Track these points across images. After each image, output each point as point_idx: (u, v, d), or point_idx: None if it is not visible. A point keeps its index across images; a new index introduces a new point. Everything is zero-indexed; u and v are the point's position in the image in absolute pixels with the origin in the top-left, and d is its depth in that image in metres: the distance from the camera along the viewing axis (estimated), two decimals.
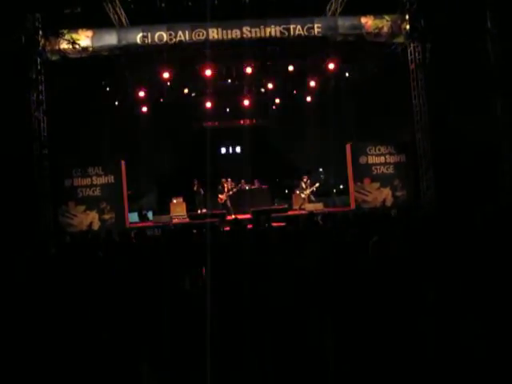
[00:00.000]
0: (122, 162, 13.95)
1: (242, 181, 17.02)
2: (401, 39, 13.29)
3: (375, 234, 3.46)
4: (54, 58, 12.55)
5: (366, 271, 3.18)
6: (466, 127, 12.48)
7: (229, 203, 15.27)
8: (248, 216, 13.54)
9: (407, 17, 12.93)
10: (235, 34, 12.51)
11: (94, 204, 13.39)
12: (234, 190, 15.65)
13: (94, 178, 13.50)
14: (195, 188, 15.77)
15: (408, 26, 12.97)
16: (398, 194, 13.97)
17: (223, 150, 20.54)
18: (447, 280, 3.47)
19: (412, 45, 13.37)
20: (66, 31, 12.09)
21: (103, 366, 2.32)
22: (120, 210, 13.58)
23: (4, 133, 11.49)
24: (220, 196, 15.38)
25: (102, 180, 13.52)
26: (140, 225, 14.83)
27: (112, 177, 13.56)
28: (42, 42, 12.10)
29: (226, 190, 15.43)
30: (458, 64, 12.79)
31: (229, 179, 16.16)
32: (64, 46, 12.18)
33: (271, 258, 4.23)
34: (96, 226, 13.27)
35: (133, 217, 15.96)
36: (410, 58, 13.54)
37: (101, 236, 7.17)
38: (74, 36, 12.14)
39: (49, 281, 3.07)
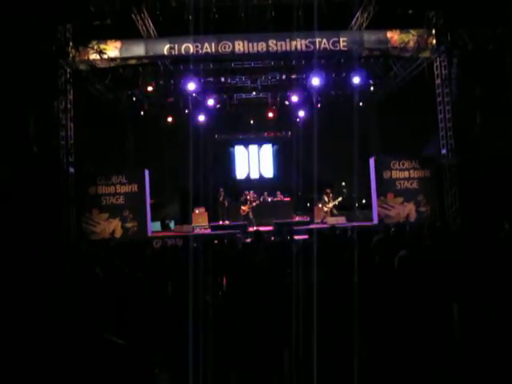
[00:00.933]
0: (146, 171, 14.07)
1: (265, 193, 17.05)
2: (427, 54, 13.20)
3: (402, 248, 3.41)
4: (83, 67, 12.83)
5: (392, 286, 3.13)
6: (492, 142, 12.29)
7: (251, 215, 15.27)
8: (270, 228, 13.50)
9: (433, 31, 12.86)
10: (261, 46, 12.59)
11: (117, 212, 13.50)
12: (257, 201, 15.67)
13: (117, 186, 13.61)
14: (221, 198, 15.82)
15: (434, 41, 12.89)
16: (422, 209, 13.78)
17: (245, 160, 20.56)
18: (474, 297, 3.40)
19: (438, 59, 13.28)
20: (95, 42, 12.37)
21: (121, 373, 2.31)
22: (142, 218, 13.66)
23: (32, 139, 11.76)
24: (243, 207, 15.40)
25: (126, 188, 13.64)
26: (161, 234, 14.90)
27: (135, 185, 13.67)
28: (72, 52, 12.39)
29: (248, 201, 15.45)
30: (485, 79, 12.64)
31: (251, 191, 16.20)
32: (93, 56, 12.44)
33: (292, 270, 4.19)
34: (118, 234, 13.39)
35: (155, 226, 16.04)
36: (435, 73, 13.44)
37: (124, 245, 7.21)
38: (103, 47, 12.39)
39: (70, 288, 3.07)
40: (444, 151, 13.53)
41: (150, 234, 13.83)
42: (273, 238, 7.54)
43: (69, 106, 12.81)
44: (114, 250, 6.41)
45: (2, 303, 2.81)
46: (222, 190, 16.21)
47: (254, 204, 15.47)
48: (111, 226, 13.47)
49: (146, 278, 4.03)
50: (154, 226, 15.48)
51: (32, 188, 12.17)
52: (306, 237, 8.75)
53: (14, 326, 2.70)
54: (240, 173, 20.43)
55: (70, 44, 12.38)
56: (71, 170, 12.91)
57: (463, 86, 12.97)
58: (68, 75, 12.73)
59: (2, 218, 12.69)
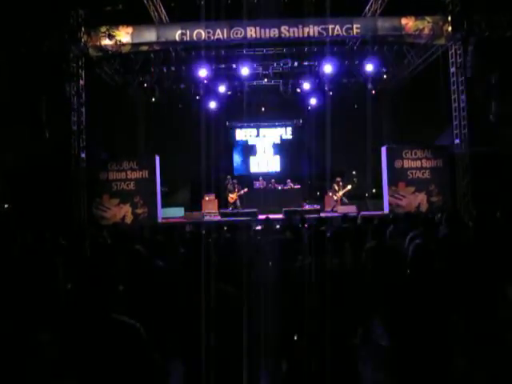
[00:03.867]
0: (157, 158, 14.08)
1: (273, 180, 17.04)
2: (442, 41, 12.98)
3: (416, 236, 3.37)
4: (95, 53, 12.81)
5: (405, 274, 3.11)
6: (506, 133, 12.14)
7: (238, 203, 15.54)
8: (280, 216, 13.46)
9: (449, 18, 12.64)
10: (273, 33, 12.45)
11: (127, 198, 13.53)
12: (244, 190, 15.79)
13: (128, 172, 13.61)
14: (228, 186, 15.89)
15: (450, 28, 12.67)
16: (434, 199, 13.66)
17: (257, 148, 20.49)
18: (486, 290, 3.35)
19: (453, 47, 13.04)
20: (107, 28, 12.33)
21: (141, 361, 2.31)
22: (153, 204, 13.70)
23: (44, 124, 11.81)
24: (231, 195, 15.58)
25: (137, 174, 13.63)
26: (171, 221, 14.88)
27: (146, 172, 13.67)
28: (84, 38, 12.36)
29: (236, 190, 15.63)
30: (501, 68, 12.45)
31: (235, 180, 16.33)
32: (104, 42, 12.41)
33: (306, 258, 4.17)
34: (129, 219, 13.44)
35: (170, 212, 15.90)
36: (450, 61, 13.21)
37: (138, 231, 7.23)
38: (115, 32, 12.35)
39: (85, 272, 3.07)
40: (457, 141, 13.37)
41: (159, 221, 13.87)
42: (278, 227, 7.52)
43: (80, 91, 12.82)
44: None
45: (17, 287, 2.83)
46: (229, 177, 16.27)
47: (242, 192, 15.69)
48: (122, 212, 13.52)
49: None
50: (169, 212, 15.52)
51: (43, 173, 12.27)
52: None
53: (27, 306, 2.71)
54: (250, 160, 20.36)
55: (82, 29, 12.34)
56: (82, 155, 12.94)
57: (478, 75, 12.76)
58: (80, 60, 12.72)
59: (14, 202, 12.82)
